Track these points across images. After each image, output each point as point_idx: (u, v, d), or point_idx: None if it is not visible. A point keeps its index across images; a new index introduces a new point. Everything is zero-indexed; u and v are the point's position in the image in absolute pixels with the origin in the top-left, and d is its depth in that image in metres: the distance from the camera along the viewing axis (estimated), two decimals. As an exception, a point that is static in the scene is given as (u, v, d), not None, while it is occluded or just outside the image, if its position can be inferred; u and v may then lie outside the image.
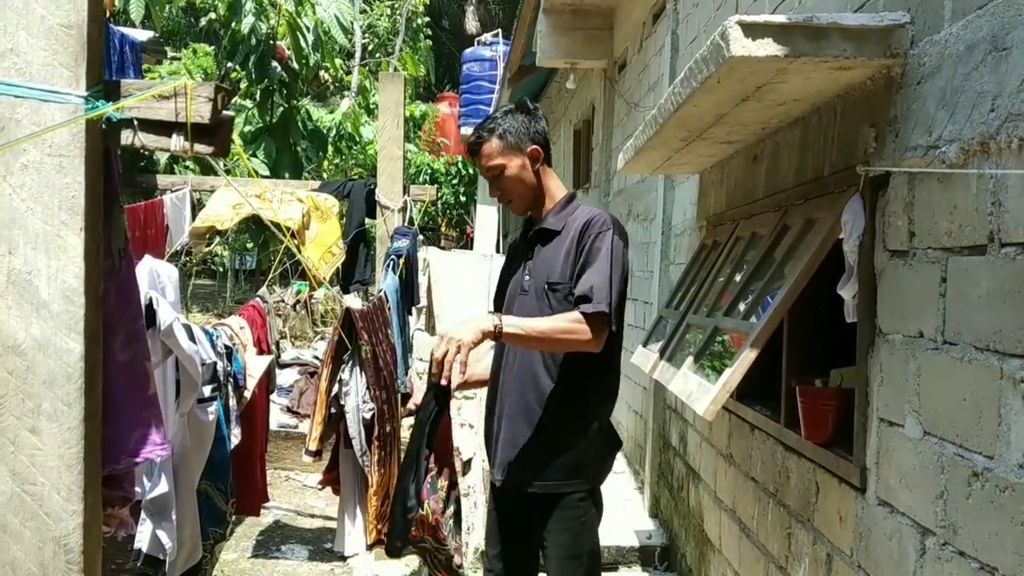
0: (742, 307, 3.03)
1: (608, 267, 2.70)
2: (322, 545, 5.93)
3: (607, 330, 2.69)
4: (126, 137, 1.83)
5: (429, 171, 18.46)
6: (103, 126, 1.81)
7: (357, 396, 4.38)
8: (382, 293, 4.94)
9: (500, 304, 3.06)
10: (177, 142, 1.80)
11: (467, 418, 9.07)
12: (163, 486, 3.24)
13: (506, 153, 2.86)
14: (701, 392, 2.83)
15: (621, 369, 3.01)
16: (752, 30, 2.17)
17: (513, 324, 2.64)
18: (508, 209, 3.01)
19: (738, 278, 3.25)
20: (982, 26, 1.83)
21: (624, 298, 2.79)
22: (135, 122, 1.80)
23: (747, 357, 2.62)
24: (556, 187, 2.97)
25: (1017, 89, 1.69)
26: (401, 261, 5.19)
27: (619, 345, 2.91)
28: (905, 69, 2.19)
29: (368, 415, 4.36)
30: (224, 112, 1.88)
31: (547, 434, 2.82)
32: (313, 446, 4.52)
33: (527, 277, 2.92)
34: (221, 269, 20.18)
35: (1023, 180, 1.67)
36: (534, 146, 2.88)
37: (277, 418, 8.22)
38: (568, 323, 2.66)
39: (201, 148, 1.82)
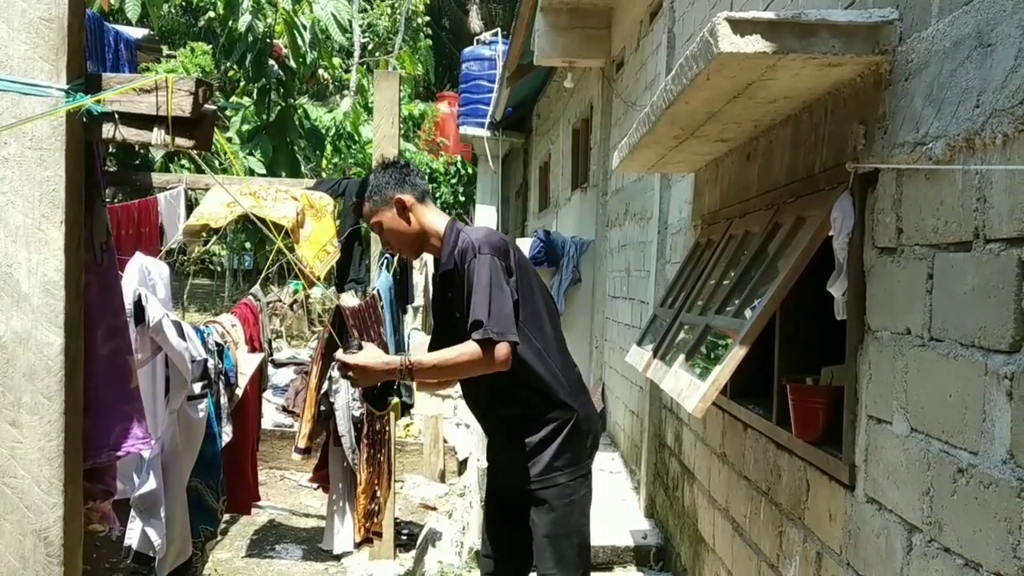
0: (734, 305, 3.03)
1: (485, 291, 2.80)
2: (316, 544, 5.92)
3: (506, 348, 2.77)
4: (107, 131, 1.82)
5: (428, 170, 18.45)
6: (84, 119, 1.80)
7: (347, 394, 4.38)
8: (375, 291, 4.93)
9: (436, 329, 3.22)
10: (158, 136, 1.80)
11: (462, 418, 9.07)
12: (152, 483, 3.23)
13: (377, 211, 3.05)
14: (691, 390, 2.83)
15: (569, 361, 3.08)
16: (740, 27, 2.17)
17: (421, 363, 2.85)
18: (404, 257, 3.15)
19: (731, 276, 3.24)
20: (968, 22, 1.83)
21: (517, 305, 2.87)
22: (116, 115, 1.80)
23: (736, 354, 2.62)
24: (437, 222, 3.07)
25: (1001, 85, 1.68)
26: (395, 260, 5.18)
27: (548, 344, 2.99)
28: (893, 66, 2.18)
29: (357, 413, 4.35)
30: (206, 106, 1.87)
31: (523, 436, 2.95)
32: (302, 443, 4.51)
33: (457, 313, 2.99)
34: (219, 268, 20.19)
35: (1007, 176, 1.66)
36: (398, 196, 3.02)
37: (272, 417, 8.22)
38: (463, 352, 2.79)
39: (182, 142, 1.81)
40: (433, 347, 3.10)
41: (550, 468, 2.92)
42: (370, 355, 2.86)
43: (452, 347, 2.84)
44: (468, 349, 2.77)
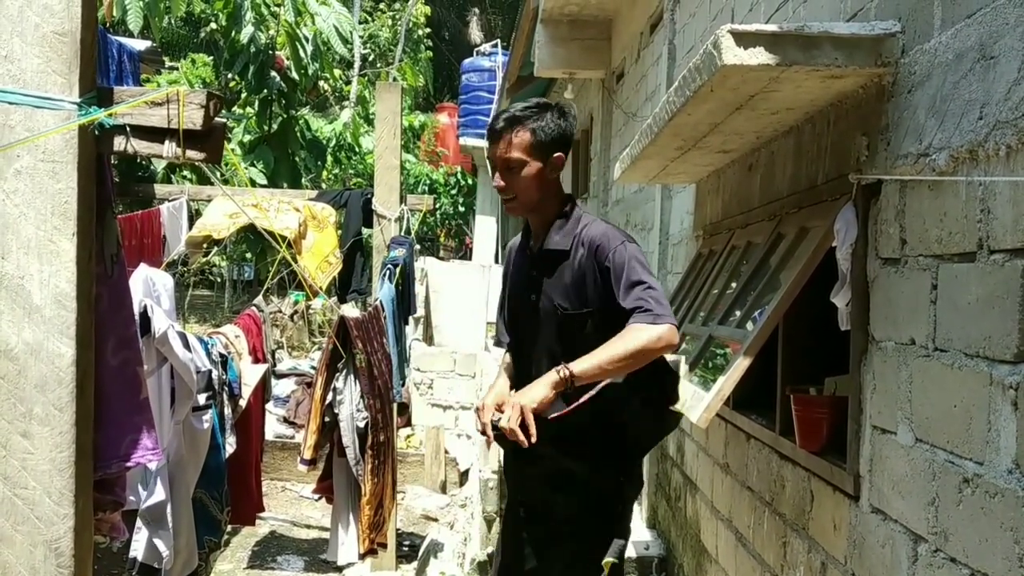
0: (737, 315, 3.04)
1: (644, 273, 2.61)
2: (318, 556, 5.93)
3: (674, 331, 2.55)
4: (119, 143, 1.84)
5: (428, 181, 18.50)
6: (96, 132, 1.82)
7: (351, 405, 4.38)
8: (378, 302, 4.94)
9: (506, 319, 2.99)
10: (169, 148, 1.81)
11: (464, 429, 9.07)
12: (159, 494, 3.24)
13: (531, 151, 2.70)
14: (695, 400, 2.83)
15: None
16: (744, 39, 2.18)
17: (584, 369, 2.53)
18: (506, 207, 2.87)
19: (733, 287, 3.26)
20: (970, 35, 1.85)
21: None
22: (127, 128, 1.81)
23: (740, 365, 2.62)
24: (559, 194, 2.84)
25: (1004, 97, 1.70)
26: (397, 271, 5.19)
27: None
28: (896, 77, 2.20)
29: (362, 424, 4.36)
30: (216, 119, 1.88)
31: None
32: (308, 455, 4.52)
33: (532, 296, 2.83)
34: (219, 280, 20.22)
35: (1011, 187, 1.67)
36: (559, 154, 2.75)
37: (273, 428, 8.23)
38: (637, 338, 2.52)
39: (193, 154, 1.83)
40: (512, 336, 2.91)
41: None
42: (525, 393, 2.55)
43: (617, 339, 2.54)
44: (635, 332, 2.50)
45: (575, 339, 2.70)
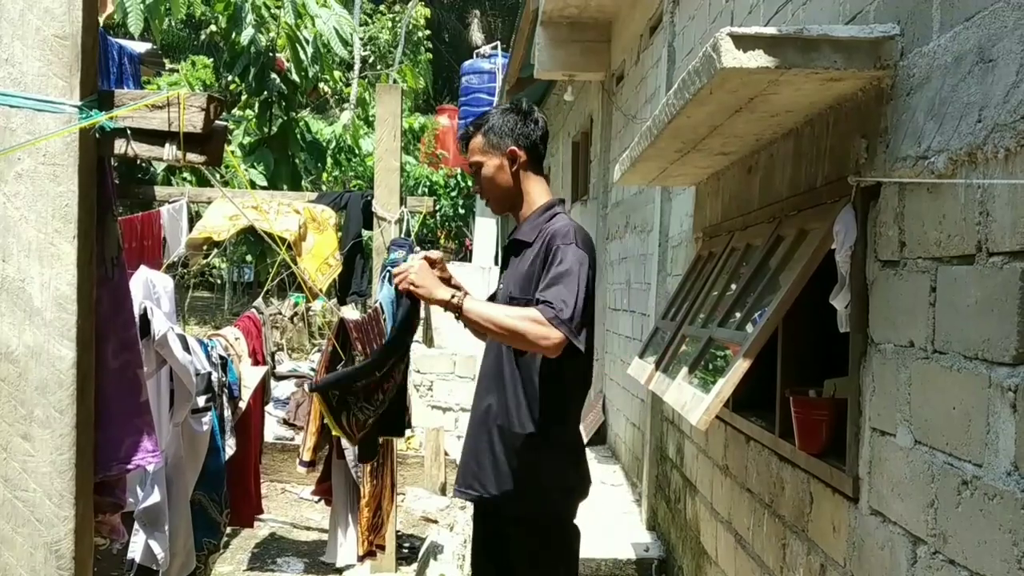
0: (736, 317, 3.04)
1: (573, 278, 2.63)
2: (318, 558, 5.92)
3: (565, 341, 2.57)
4: (120, 147, 1.84)
5: (428, 183, 18.50)
6: (96, 135, 1.82)
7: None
8: (377, 304, 4.94)
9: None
10: (170, 151, 1.82)
11: (463, 431, 9.06)
12: (156, 496, 3.23)
13: (485, 151, 2.86)
14: (695, 402, 2.84)
15: (592, 383, 3.00)
16: (743, 42, 2.19)
17: (474, 308, 2.63)
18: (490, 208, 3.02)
19: (733, 289, 3.26)
20: (969, 37, 1.85)
21: (589, 314, 2.66)
22: (128, 131, 1.82)
23: (740, 367, 2.63)
24: (537, 193, 2.90)
25: (1003, 100, 1.71)
26: (398, 272, 5.19)
27: (586, 363, 2.87)
28: (895, 80, 2.21)
29: (362, 425, 4.35)
30: (217, 122, 1.89)
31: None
32: (307, 456, 4.52)
33: (501, 284, 2.96)
34: (219, 281, 20.23)
35: (1010, 190, 1.68)
36: (513, 147, 2.84)
37: (273, 430, 8.22)
38: (529, 322, 2.56)
39: (193, 157, 1.84)
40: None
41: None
42: (426, 275, 2.66)
43: (517, 309, 2.62)
44: (532, 318, 2.55)
45: None
